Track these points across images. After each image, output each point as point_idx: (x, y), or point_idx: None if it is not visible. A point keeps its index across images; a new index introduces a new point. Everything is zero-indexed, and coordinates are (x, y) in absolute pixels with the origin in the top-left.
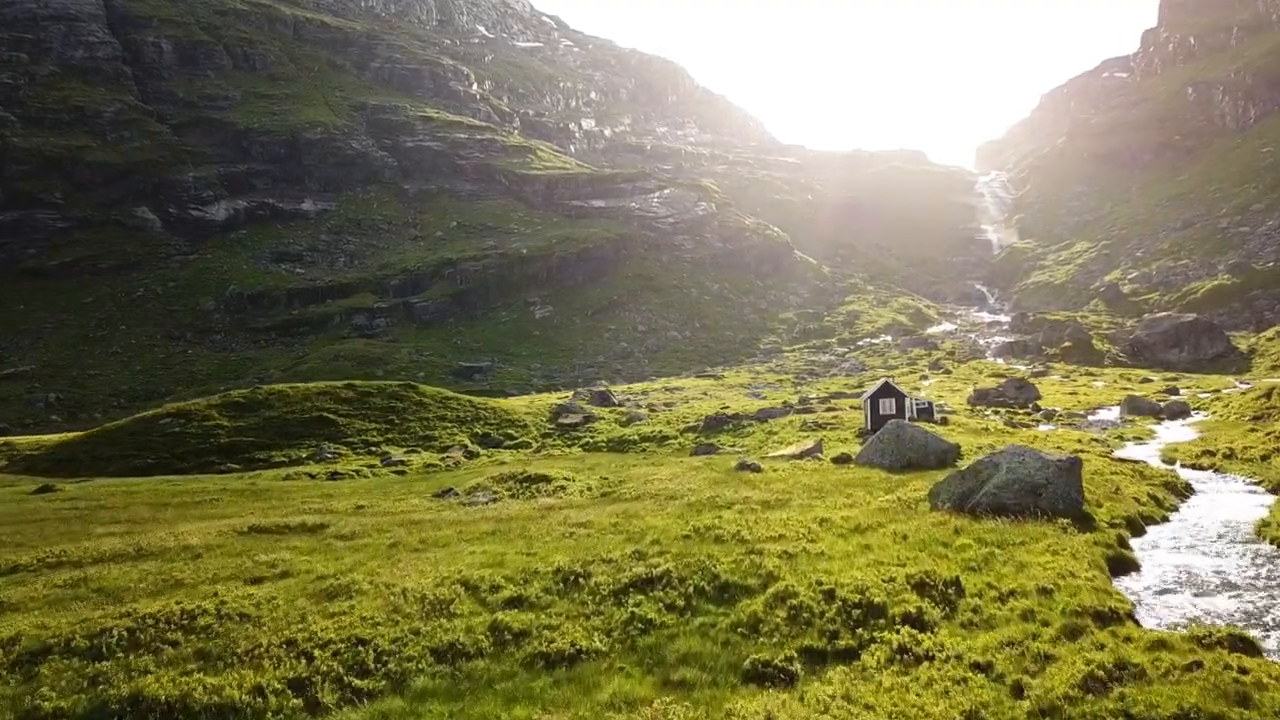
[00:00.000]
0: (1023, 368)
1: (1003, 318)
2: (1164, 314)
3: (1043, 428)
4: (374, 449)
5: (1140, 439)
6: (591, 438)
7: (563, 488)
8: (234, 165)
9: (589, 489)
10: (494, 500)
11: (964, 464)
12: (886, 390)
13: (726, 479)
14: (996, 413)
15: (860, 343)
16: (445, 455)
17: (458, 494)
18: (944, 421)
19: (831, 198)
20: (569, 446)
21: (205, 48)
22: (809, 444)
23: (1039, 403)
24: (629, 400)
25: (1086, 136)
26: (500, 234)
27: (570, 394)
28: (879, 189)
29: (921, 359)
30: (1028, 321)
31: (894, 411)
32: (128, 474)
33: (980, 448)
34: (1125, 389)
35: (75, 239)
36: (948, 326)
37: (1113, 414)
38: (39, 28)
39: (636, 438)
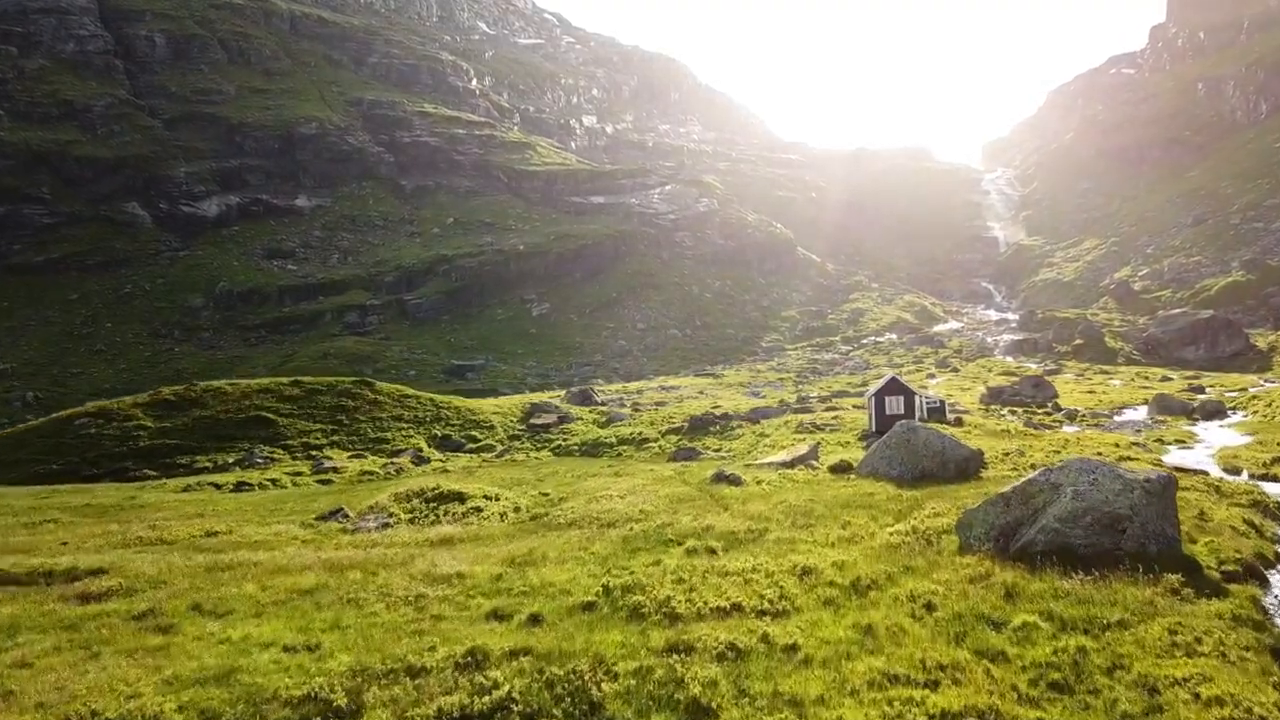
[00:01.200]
0: (1034, 366)
1: (1010, 316)
2: (1179, 311)
3: (1067, 429)
4: (314, 453)
5: (1182, 441)
6: (564, 440)
7: (479, 509)
8: (227, 161)
9: (517, 510)
10: (386, 525)
11: (990, 475)
12: (894, 386)
13: (696, 495)
14: (1013, 413)
15: (865, 341)
16: (392, 461)
17: (348, 516)
18: (958, 422)
19: (836, 195)
20: (538, 450)
21: (199, 41)
22: (803, 449)
23: (1057, 401)
24: (615, 400)
25: (1094, 133)
26: (498, 230)
27: (562, 393)
28: (884, 186)
29: (928, 357)
30: (1037, 319)
31: (902, 411)
32: (30, 481)
33: (1006, 454)
34: (1144, 387)
35: (63, 235)
36: (954, 325)
37: (1140, 414)
38: (29, 20)
39: (613, 440)
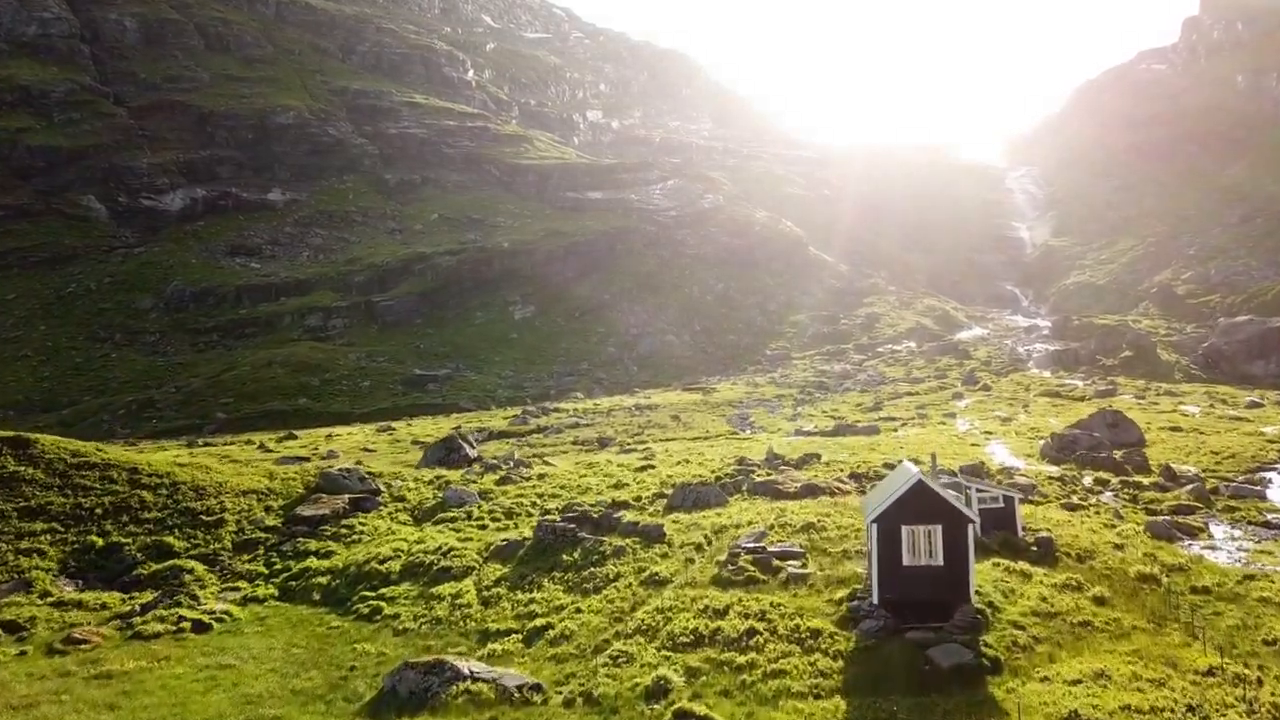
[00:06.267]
0: (1080, 383)
1: (1041, 322)
2: (1245, 319)
3: (1216, 531)
4: None
5: None
6: (316, 564)
7: None
8: (196, 151)
9: None
10: None
11: None
12: (917, 502)
13: None
14: (1103, 484)
15: (880, 349)
16: None
17: None
18: (1045, 553)
19: (851, 193)
20: (254, 585)
21: (174, 26)
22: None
23: (1145, 451)
24: (533, 434)
25: (1126, 128)
26: (486, 227)
27: (516, 410)
28: (901, 185)
29: (951, 370)
30: (1072, 326)
31: (939, 557)
32: None
33: None
34: (1237, 419)
35: (7, 229)
36: (979, 331)
37: None
38: None
39: (390, 574)
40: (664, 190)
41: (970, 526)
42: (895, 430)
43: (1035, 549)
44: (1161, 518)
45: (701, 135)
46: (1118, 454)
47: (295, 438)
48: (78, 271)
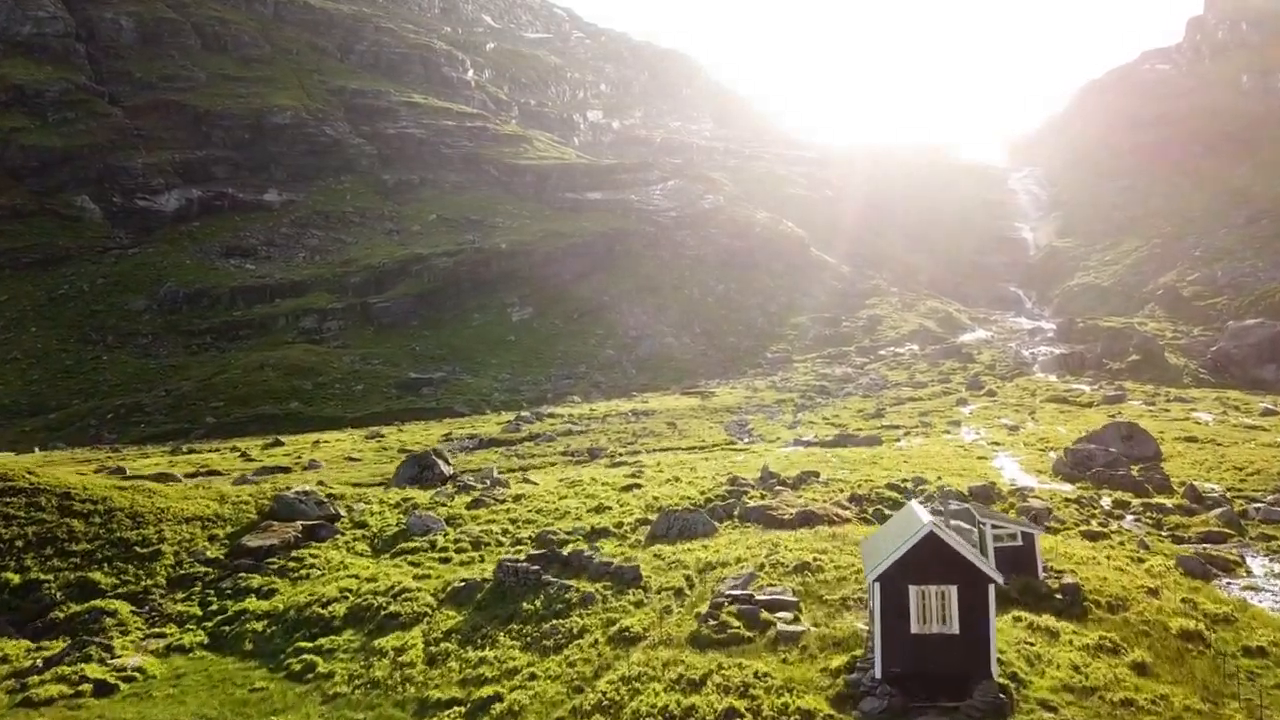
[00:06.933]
0: (1087, 388)
1: (1045, 324)
2: (1254, 322)
3: (1255, 566)
4: None
5: None
6: (253, 605)
7: None
8: (191, 151)
9: None
10: None
11: None
12: (929, 555)
13: None
14: (1124, 507)
15: (882, 352)
16: None
17: None
18: (1072, 603)
19: (853, 194)
20: (184, 630)
21: (171, 26)
22: None
23: (1163, 466)
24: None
25: (1130, 129)
26: (484, 228)
27: (511, 416)
28: (903, 185)
29: (955, 374)
30: (1077, 328)
31: (954, 622)
32: None
33: None
34: (1252, 428)
35: None
36: (982, 334)
37: None
38: None
39: (332, 620)
40: (664, 191)
41: (991, 587)
42: (898, 440)
43: (1060, 597)
44: (1192, 548)
45: (702, 135)
46: (1135, 470)
47: (281, 444)
48: (70, 273)
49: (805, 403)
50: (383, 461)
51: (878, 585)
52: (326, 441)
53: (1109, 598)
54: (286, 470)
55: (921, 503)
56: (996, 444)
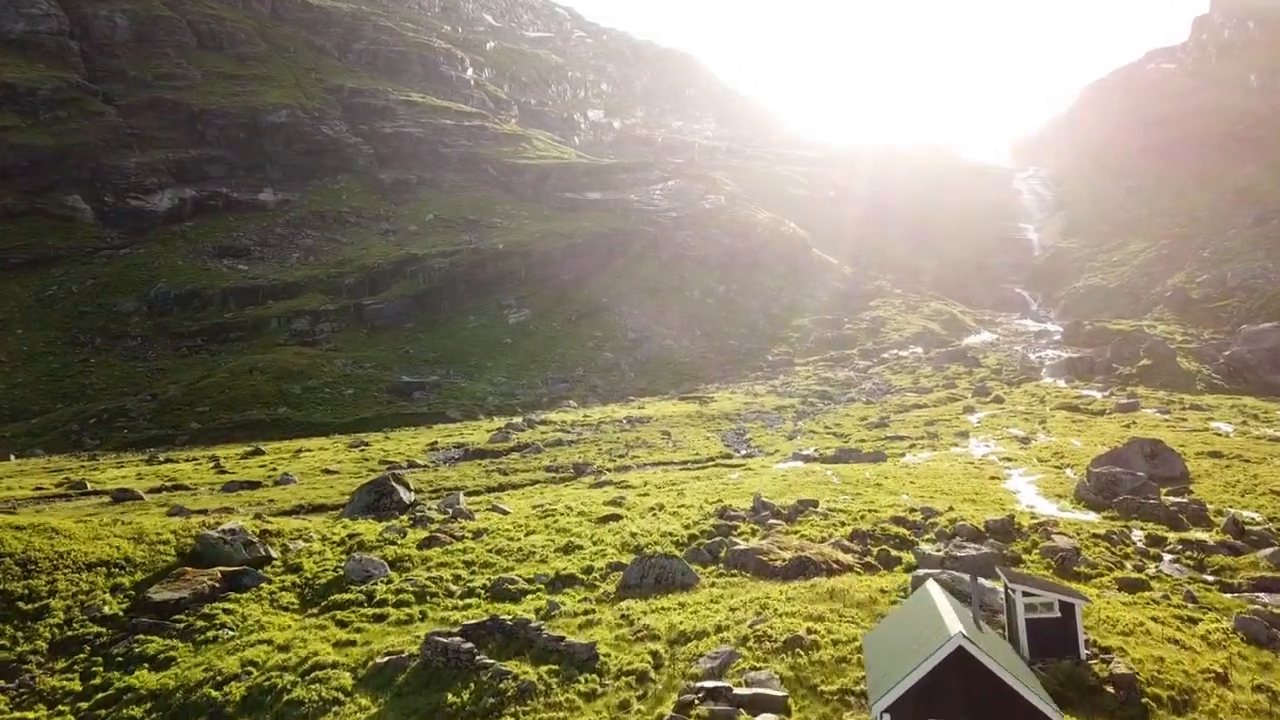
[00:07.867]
0: (1098, 395)
1: (1051, 326)
2: (1270, 325)
3: None
4: None
5: None
6: (144, 678)
7: None
8: (185, 150)
9: None
10: None
11: None
12: (956, 676)
13: None
14: (1159, 544)
15: (886, 355)
16: None
17: None
18: (1124, 695)
19: (856, 194)
20: (52, 715)
21: (166, 23)
22: None
23: (1191, 487)
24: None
25: (1136, 128)
26: (482, 228)
27: (505, 422)
28: (907, 185)
29: (961, 378)
30: (1084, 332)
31: None
32: None
33: None
34: (1272, 436)
35: None
36: (988, 336)
37: None
38: None
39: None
40: (664, 191)
41: (1036, 704)
42: (903, 455)
43: (1112, 691)
44: (1245, 599)
45: (704, 135)
46: (1165, 494)
47: (261, 453)
48: (59, 274)
49: (806, 409)
50: (360, 476)
51: (888, 717)
52: (309, 450)
53: (1171, 691)
54: (255, 486)
55: (934, 550)
56: (1009, 460)
